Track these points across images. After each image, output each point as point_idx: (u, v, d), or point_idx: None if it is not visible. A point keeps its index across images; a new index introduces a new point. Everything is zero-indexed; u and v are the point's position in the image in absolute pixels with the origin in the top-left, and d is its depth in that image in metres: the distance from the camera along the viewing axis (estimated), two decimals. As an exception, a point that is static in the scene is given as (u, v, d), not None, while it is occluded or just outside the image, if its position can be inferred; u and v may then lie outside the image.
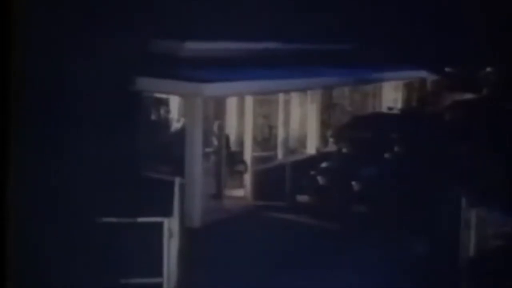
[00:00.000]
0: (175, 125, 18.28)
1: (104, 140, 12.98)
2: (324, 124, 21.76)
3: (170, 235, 11.50)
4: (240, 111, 19.36)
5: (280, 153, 19.73)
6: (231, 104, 19.63)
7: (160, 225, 11.39)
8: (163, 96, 18.06)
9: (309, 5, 18.99)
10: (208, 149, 17.79)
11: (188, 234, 13.03)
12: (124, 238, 11.10)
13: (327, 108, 22.34)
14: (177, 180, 12.44)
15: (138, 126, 16.38)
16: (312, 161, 19.12)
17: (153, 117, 18.20)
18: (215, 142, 18.05)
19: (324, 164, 18.17)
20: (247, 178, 18.18)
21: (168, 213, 11.59)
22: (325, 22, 19.49)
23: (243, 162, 18.40)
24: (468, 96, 23.00)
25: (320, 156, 19.80)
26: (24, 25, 7.86)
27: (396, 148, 18.35)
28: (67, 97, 11.62)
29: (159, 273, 11.39)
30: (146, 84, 16.35)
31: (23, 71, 7.81)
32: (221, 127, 18.19)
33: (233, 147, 19.13)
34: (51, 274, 9.67)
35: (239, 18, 16.79)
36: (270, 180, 18.14)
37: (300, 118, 21.16)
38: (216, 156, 17.99)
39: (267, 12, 17.56)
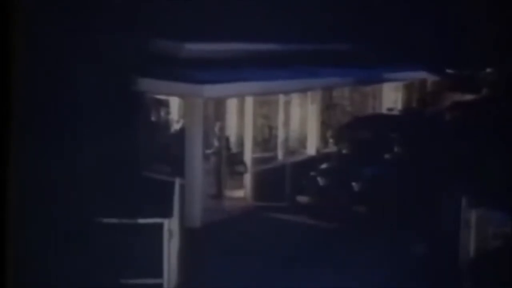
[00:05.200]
0: (175, 126, 18.29)
1: (105, 140, 12.98)
2: (324, 125, 21.73)
3: (170, 235, 11.51)
4: (240, 112, 19.36)
5: (280, 154, 19.71)
6: (231, 105, 19.64)
7: (160, 226, 11.40)
8: (164, 97, 18.07)
9: (309, 5, 18.97)
10: (208, 151, 17.82)
11: (188, 235, 13.05)
12: (124, 239, 11.11)
13: (327, 108, 22.32)
14: (177, 181, 12.46)
15: (139, 127, 16.39)
16: (312, 162, 19.11)
17: (153, 118, 18.21)
18: (215, 143, 18.07)
19: (324, 165, 18.17)
20: (247, 178, 18.17)
21: (168, 213, 11.61)
22: (325, 22, 19.47)
23: (243, 163, 18.40)
24: (468, 96, 22.97)
25: (320, 156, 19.80)
26: (24, 25, 7.86)
27: (396, 149, 18.36)
28: (67, 98, 11.63)
29: (159, 274, 11.40)
30: (146, 85, 16.35)
31: (23, 71, 7.82)
32: (222, 128, 18.24)
33: (233, 148, 19.12)
34: (51, 274, 9.67)
35: (239, 19, 16.77)
36: (270, 181, 18.13)
37: (300, 119, 21.15)
38: (216, 157, 18.01)
39: (267, 13, 17.55)
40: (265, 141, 19.88)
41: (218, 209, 17.26)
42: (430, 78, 26.33)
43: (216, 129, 18.12)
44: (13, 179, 7.58)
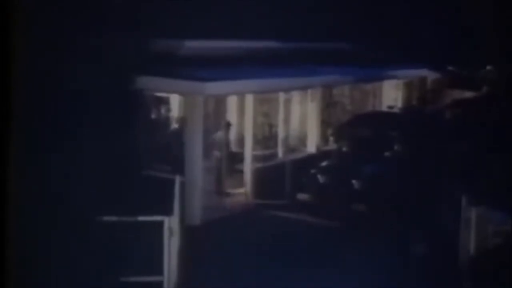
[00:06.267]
0: (176, 124, 18.32)
1: (105, 139, 12.98)
2: (324, 123, 21.76)
3: (171, 233, 11.52)
4: (240, 110, 19.38)
5: (280, 152, 19.74)
6: (232, 102, 19.66)
7: (160, 224, 11.41)
8: (164, 95, 18.09)
9: (309, 4, 18.98)
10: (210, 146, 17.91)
11: (188, 233, 13.07)
12: (125, 237, 11.12)
13: (328, 106, 22.34)
14: (178, 179, 12.47)
15: (139, 125, 16.40)
16: (312, 160, 19.13)
17: (153, 115, 18.24)
18: (216, 140, 18.13)
19: (324, 163, 18.19)
20: (248, 176, 18.19)
21: (168, 211, 11.62)
22: (325, 21, 19.49)
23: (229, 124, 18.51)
24: (468, 94, 22.99)
25: (320, 154, 19.82)
26: (24, 25, 7.86)
27: (396, 147, 18.36)
28: (67, 97, 11.63)
29: (160, 272, 11.41)
30: (146, 83, 16.37)
31: (23, 71, 7.82)
32: (228, 126, 18.32)
33: (234, 145, 19.16)
34: (51, 274, 9.68)
35: (240, 17, 16.79)
36: (271, 179, 18.15)
37: (301, 117, 21.17)
38: (217, 154, 18.04)
39: (267, 11, 17.56)
40: (266, 139, 19.90)
41: (219, 207, 17.28)
42: (430, 76, 26.36)
43: (223, 126, 18.21)
44: (13, 179, 7.59)
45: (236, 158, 18.69)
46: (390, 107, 24.86)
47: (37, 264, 9.18)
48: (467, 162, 15.98)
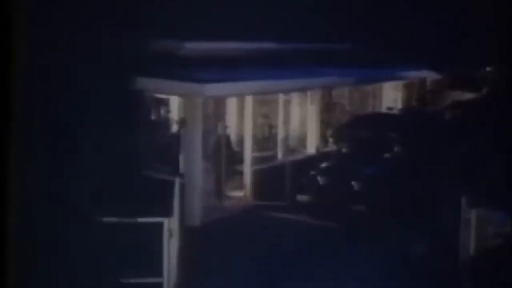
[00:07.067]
0: (175, 125, 18.31)
1: (104, 140, 12.98)
2: (324, 124, 21.74)
3: (170, 234, 11.53)
4: (240, 111, 19.37)
5: (280, 153, 19.72)
6: (231, 104, 19.65)
7: (160, 225, 11.41)
8: (164, 96, 18.08)
9: (309, 4, 18.97)
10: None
11: (188, 234, 13.06)
12: (124, 238, 11.11)
13: (327, 108, 22.33)
14: (177, 180, 12.46)
15: (138, 126, 16.39)
16: (312, 161, 19.12)
17: (153, 117, 18.23)
18: (216, 141, 18.11)
19: (324, 164, 18.18)
20: (247, 177, 18.18)
21: (168, 213, 11.61)
22: (325, 22, 19.48)
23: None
24: (468, 95, 22.96)
25: (320, 155, 19.80)
26: (24, 25, 7.87)
27: (396, 148, 18.36)
28: (67, 98, 11.63)
29: (159, 273, 11.40)
30: (146, 84, 16.36)
31: (23, 71, 7.83)
32: (225, 127, 18.29)
33: (233, 146, 19.14)
34: (51, 274, 9.68)
35: (239, 18, 16.78)
36: (270, 180, 18.13)
37: (300, 118, 21.15)
38: (216, 155, 18.01)
39: (267, 12, 17.55)
40: (265, 140, 19.88)
41: (218, 208, 17.26)
42: (430, 77, 26.34)
43: (220, 128, 18.17)
44: (13, 179, 7.59)
45: (235, 159, 18.67)
46: (390, 108, 24.85)
47: (37, 264, 9.17)
48: (467, 163, 15.98)
